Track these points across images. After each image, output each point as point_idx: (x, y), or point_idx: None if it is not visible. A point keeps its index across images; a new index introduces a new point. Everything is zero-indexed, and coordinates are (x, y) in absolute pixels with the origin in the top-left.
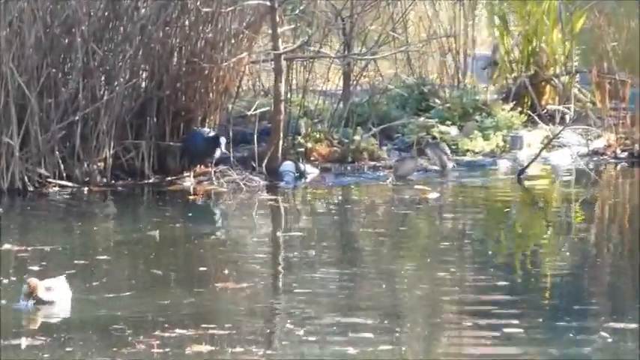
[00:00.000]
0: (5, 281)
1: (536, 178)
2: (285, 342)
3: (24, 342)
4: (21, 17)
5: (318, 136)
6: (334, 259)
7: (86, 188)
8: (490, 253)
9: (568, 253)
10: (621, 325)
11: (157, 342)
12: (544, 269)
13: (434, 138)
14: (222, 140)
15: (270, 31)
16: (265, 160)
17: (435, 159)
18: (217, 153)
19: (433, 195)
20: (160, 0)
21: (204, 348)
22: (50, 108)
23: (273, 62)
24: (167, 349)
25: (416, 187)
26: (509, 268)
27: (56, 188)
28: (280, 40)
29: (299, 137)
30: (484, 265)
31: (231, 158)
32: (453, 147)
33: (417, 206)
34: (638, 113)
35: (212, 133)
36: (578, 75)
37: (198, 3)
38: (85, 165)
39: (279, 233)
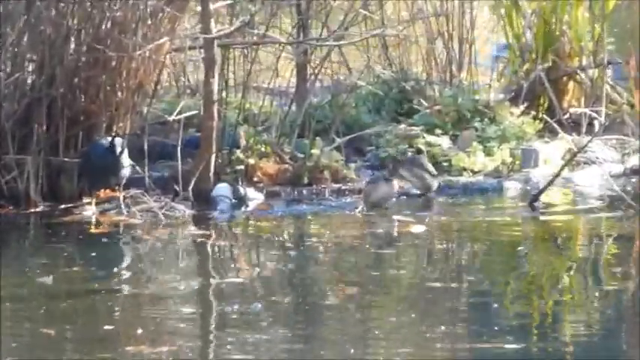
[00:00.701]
0: None
1: (554, 207)
2: None
3: None
4: None
5: (263, 149)
6: (285, 316)
7: None
8: (494, 307)
9: (598, 311)
10: None
11: None
12: (566, 332)
13: (419, 152)
14: (118, 142)
15: (198, 9)
16: (192, 182)
17: (413, 180)
18: (126, 171)
19: (418, 229)
20: None
21: None
22: None
23: (203, 50)
24: None
25: (395, 218)
26: (520, 331)
27: None
28: (213, 21)
29: (237, 151)
30: (486, 326)
31: (147, 179)
32: (445, 164)
33: (396, 244)
34: None
35: (118, 145)
36: (610, 67)
37: None
38: None
39: (211, 281)
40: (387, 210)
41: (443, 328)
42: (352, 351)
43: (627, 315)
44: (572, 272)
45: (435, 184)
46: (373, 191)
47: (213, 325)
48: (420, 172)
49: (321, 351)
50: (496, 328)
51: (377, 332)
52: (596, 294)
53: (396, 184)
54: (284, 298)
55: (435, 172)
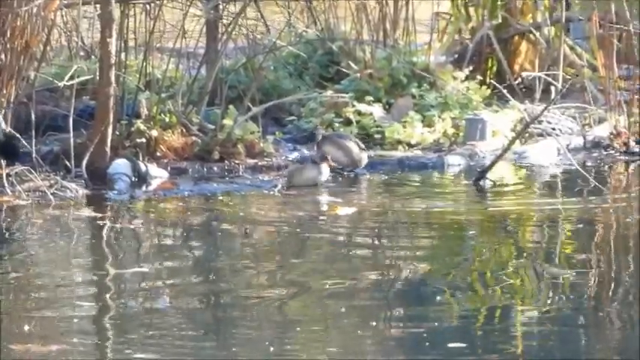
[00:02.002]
0: None
1: (504, 186)
2: None
3: None
4: None
5: (167, 119)
6: (193, 312)
7: None
8: (431, 296)
9: (550, 302)
10: None
11: None
12: (515, 325)
13: (347, 122)
14: None
15: None
16: (86, 158)
17: (338, 154)
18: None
19: (345, 210)
20: None
21: None
22: None
23: (98, 6)
24: None
25: (320, 198)
26: (463, 324)
27: None
28: None
29: (138, 122)
30: (421, 317)
31: (34, 154)
32: (377, 136)
33: (321, 228)
34: None
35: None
36: (570, 25)
37: None
38: None
39: (110, 271)
40: (310, 190)
41: (373, 323)
42: (271, 349)
43: (582, 307)
44: (521, 262)
45: (364, 158)
46: (296, 175)
47: (111, 321)
48: (346, 145)
49: (233, 349)
50: (434, 325)
51: (298, 329)
52: (548, 287)
53: (326, 169)
54: (191, 291)
55: (362, 145)
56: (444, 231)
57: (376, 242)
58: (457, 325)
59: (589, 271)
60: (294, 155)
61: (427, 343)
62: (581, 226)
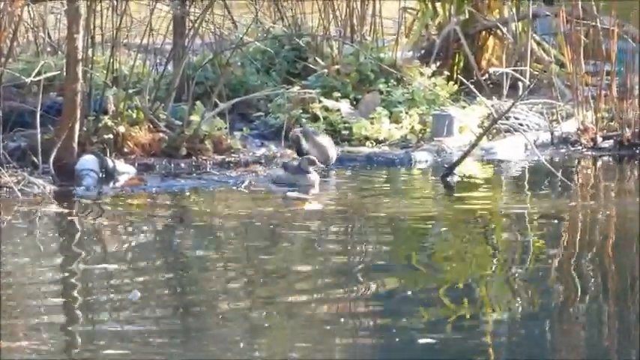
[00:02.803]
0: None
1: (471, 182)
2: None
3: None
4: None
5: (134, 115)
6: (164, 307)
7: None
8: (397, 296)
9: (519, 304)
10: None
11: None
12: (482, 325)
13: (315, 118)
14: None
15: None
16: (54, 154)
17: (313, 151)
18: None
19: (312, 207)
20: None
21: None
22: None
23: (65, 2)
24: None
25: (289, 195)
26: (432, 324)
27: None
28: None
29: (106, 118)
30: (390, 317)
31: (1, 150)
32: (345, 132)
33: (289, 225)
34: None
35: None
36: (537, 21)
37: None
38: None
39: (79, 266)
40: (277, 186)
41: (341, 320)
42: (241, 345)
43: (549, 307)
44: (489, 260)
45: (334, 154)
46: (301, 183)
47: (81, 318)
48: (321, 143)
49: (203, 342)
50: (405, 326)
51: (265, 326)
52: (515, 287)
53: (316, 175)
54: (160, 288)
55: (330, 141)
56: (410, 226)
57: (342, 240)
58: (426, 324)
59: (556, 270)
60: (262, 151)
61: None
62: (549, 223)
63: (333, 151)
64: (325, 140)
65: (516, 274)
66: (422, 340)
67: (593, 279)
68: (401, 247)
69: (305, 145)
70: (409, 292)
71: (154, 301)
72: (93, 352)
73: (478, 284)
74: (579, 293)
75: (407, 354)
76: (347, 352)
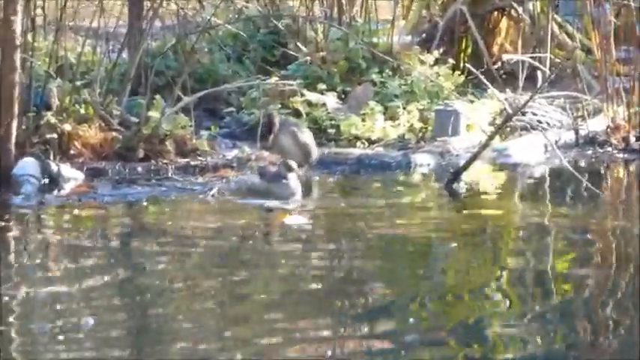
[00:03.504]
0: None
1: (481, 190)
2: None
3: None
4: None
5: (83, 111)
6: (119, 336)
7: None
8: (397, 327)
9: (539, 336)
10: None
11: None
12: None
13: (296, 114)
14: None
15: None
16: None
17: (293, 150)
18: None
19: (293, 219)
20: None
21: None
22: None
23: None
24: None
25: (267, 205)
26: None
27: None
28: None
29: (48, 114)
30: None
31: None
32: (331, 131)
33: (265, 243)
34: None
35: None
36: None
37: None
38: None
39: (19, 289)
40: (250, 194)
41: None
42: None
43: (578, 342)
44: (501, 285)
45: (315, 154)
46: (279, 192)
47: (23, 346)
48: (303, 140)
49: None
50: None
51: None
52: (536, 316)
53: (296, 181)
54: (113, 315)
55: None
56: (410, 245)
57: (330, 259)
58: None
59: (585, 302)
60: (234, 153)
61: None
62: (572, 238)
63: (315, 150)
64: (308, 137)
65: (536, 307)
66: None
67: (623, 304)
68: (398, 272)
69: (285, 141)
70: (410, 335)
71: (106, 333)
72: None
73: (490, 321)
74: (612, 329)
75: None
76: None
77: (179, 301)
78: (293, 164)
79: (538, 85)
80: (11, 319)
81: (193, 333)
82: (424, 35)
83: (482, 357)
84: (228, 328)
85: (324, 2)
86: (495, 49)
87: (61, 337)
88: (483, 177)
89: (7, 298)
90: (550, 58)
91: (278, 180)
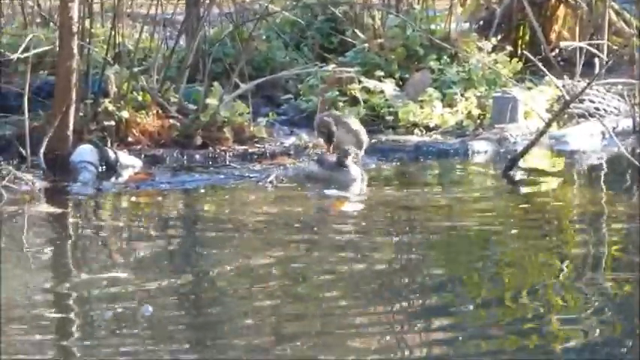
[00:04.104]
0: None
1: (539, 177)
2: None
3: None
4: None
5: (140, 98)
6: (174, 320)
7: None
8: (456, 311)
9: (597, 326)
10: None
11: None
12: (554, 344)
13: (354, 102)
14: None
15: None
16: (45, 144)
17: (348, 137)
18: None
19: (351, 207)
20: None
21: None
22: None
23: None
24: None
25: (327, 192)
26: (495, 343)
27: None
28: None
29: (106, 101)
30: (447, 336)
31: None
32: (389, 118)
33: (324, 229)
34: None
35: None
36: None
37: None
38: None
39: (80, 277)
40: (309, 181)
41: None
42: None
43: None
44: (561, 270)
45: (366, 141)
46: (341, 180)
47: (80, 337)
48: (354, 127)
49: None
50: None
51: (297, 343)
52: (595, 298)
53: (358, 170)
54: (172, 301)
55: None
56: (468, 232)
57: (388, 246)
58: (488, 343)
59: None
60: (291, 141)
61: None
62: (631, 226)
63: (366, 137)
64: (357, 124)
65: (593, 298)
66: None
67: None
68: (455, 261)
69: (335, 130)
70: (468, 325)
71: (168, 319)
72: None
73: (548, 311)
74: None
75: None
76: None
77: (237, 290)
78: (352, 151)
79: (595, 72)
80: (73, 305)
81: (251, 321)
82: (482, 22)
83: (540, 347)
84: (287, 318)
85: None
86: (553, 36)
87: (121, 324)
88: (541, 164)
89: (67, 285)
90: (607, 45)
91: (339, 167)
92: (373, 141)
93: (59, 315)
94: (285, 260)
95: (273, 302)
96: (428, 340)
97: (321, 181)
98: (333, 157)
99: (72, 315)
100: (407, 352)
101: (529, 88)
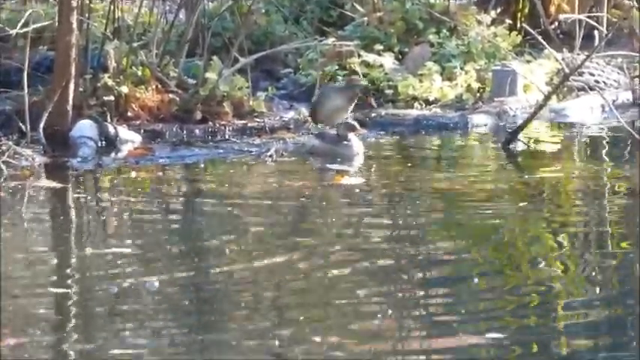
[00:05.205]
0: None
1: (538, 150)
2: None
3: None
4: None
5: (140, 73)
6: (184, 299)
7: None
8: (459, 284)
9: (596, 292)
10: None
11: None
12: (557, 318)
13: (352, 74)
14: None
15: None
16: (44, 119)
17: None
18: None
19: (350, 180)
20: None
21: None
22: None
23: None
24: None
25: (330, 166)
26: (499, 314)
27: None
28: None
29: (105, 76)
30: (453, 307)
31: None
32: (389, 92)
33: (325, 203)
34: None
35: None
36: None
37: None
38: None
39: (88, 250)
40: (309, 155)
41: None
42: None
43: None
44: (561, 244)
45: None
46: (344, 153)
47: (82, 311)
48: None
49: (232, 342)
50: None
51: (301, 318)
52: (594, 273)
53: (359, 143)
54: (174, 277)
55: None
56: (468, 204)
57: (388, 220)
58: (490, 309)
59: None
60: (290, 115)
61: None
62: (628, 198)
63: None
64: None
65: (593, 272)
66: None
67: None
68: (458, 230)
69: (337, 99)
70: (469, 301)
71: (166, 292)
72: (100, 349)
73: (549, 284)
74: None
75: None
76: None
77: (238, 260)
78: (355, 124)
79: (595, 45)
80: (77, 278)
81: (251, 297)
82: None
83: (542, 324)
84: (286, 294)
85: None
86: (552, 8)
87: (127, 298)
88: (541, 137)
89: (74, 259)
90: (607, 17)
91: (340, 141)
92: (373, 115)
93: (59, 290)
94: (284, 235)
95: (273, 277)
96: (429, 314)
97: (322, 155)
98: (333, 131)
99: (79, 288)
100: (407, 332)
101: (528, 62)
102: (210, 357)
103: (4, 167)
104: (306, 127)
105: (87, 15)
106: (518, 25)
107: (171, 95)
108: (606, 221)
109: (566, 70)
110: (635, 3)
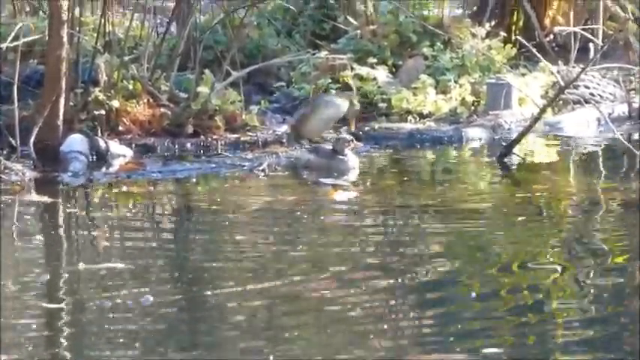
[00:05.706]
0: None
1: (533, 164)
2: None
3: None
4: None
5: (131, 87)
6: (177, 316)
7: None
8: (453, 299)
9: (589, 307)
10: None
11: None
12: (551, 332)
13: (346, 89)
14: None
15: None
16: (34, 134)
17: (330, 118)
18: None
19: (343, 195)
20: None
21: None
22: None
23: None
24: None
25: (323, 181)
26: (494, 326)
27: None
28: None
29: (96, 90)
30: (448, 319)
31: None
32: (382, 105)
33: (318, 217)
34: None
35: None
36: None
37: None
38: None
39: (81, 266)
40: (303, 170)
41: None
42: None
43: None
44: (557, 258)
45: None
46: (339, 168)
47: (73, 328)
48: (339, 105)
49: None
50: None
51: (296, 333)
52: (591, 290)
53: (353, 156)
54: (165, 294)
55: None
56: (463, 220)
57: (382, 236)
58: (487, 326)
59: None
60: (284, 128)
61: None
62: (628, 215)
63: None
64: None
65: (587, 280)
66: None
67: None
68: (452, 245)
69: (323, 107)
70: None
71: (158, 310)
72: None
73: (542, 293)
74: None
75: None
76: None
77: (231, 279)
78: (349, 138)
79: (590, 58)
80: (70, 294)
81: (246, 310)
82: (475, 8)
83: (537, 328)
84: (279, 305)
85: None
86: (547, 21)
87: (121, 314)
88: (536, 150)
89: (66, 275)
90: (602, 30)
91: (335, 156)
92: (366, 128)
93: (55, 305)
94: (277, 250)
95: (266, 285)
96: (424, 321)
97: (317, 170)
98: (328, 146)
99: (71, 304)
100: (402, 349)
101: (523, 74)
102: None
103: None
104: (299, 141)
105: (77, 28)
106: (513, 38)
107: (162, 109)
108: (602, 236)
109: (562, 83)
110: (630, 15)
